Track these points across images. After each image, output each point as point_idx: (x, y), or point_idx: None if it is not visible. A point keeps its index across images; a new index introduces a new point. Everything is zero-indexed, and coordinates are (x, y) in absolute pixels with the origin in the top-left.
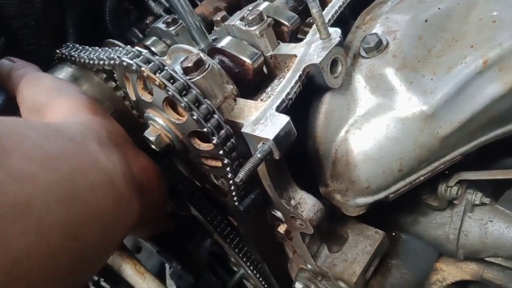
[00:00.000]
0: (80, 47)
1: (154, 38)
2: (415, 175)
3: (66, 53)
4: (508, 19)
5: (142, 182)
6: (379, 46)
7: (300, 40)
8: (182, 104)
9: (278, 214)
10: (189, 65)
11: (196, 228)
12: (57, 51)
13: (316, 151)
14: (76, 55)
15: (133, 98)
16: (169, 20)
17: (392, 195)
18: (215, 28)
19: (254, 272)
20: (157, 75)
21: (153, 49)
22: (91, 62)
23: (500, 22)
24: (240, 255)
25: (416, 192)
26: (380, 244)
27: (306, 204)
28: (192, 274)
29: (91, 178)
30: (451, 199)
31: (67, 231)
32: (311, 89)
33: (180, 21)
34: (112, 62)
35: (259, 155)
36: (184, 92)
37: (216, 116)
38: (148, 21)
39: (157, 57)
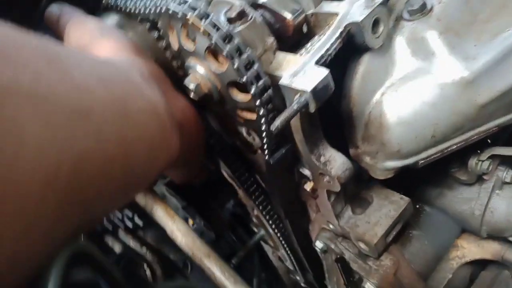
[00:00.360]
0: None
1: None
2: (447, 143)
3: (112, 2)
4: None
5: (181, 122)
6: (423, 9)
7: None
8: (224, 52)
9: (306, 172)
10: (233, 15)
11: (220, 189)
12: (103, 0)
13: (350, 112)
14: (121, 4)
15: (176, 47)
16: None
17: (422, 161)
18: None
19: (276, 231)
20: (202, 22)
21: None
22: (137, 10)
23: None
24: (264, 213)
25: (444, 165)
26: (404, 210)
27: (336, 161)
28: (214, 232)
29: (138, 103)
30: (481, 174)
31: (120, 145)
32: (349, 50)
33: None
34: (157, 10)
35: (295, 107)
36: (227, 40)
37: (255, 66)
38: None
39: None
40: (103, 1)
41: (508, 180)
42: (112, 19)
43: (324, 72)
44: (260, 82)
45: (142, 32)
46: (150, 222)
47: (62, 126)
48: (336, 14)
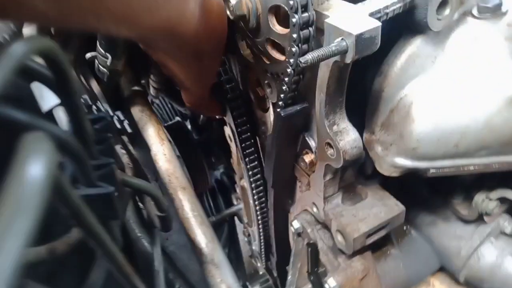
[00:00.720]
0: None
1: None
2: (467, 160)
3: None
4: None
5: (207, 5)
6: (497, 10)
7: None
8: None
9: (311, 142)
10: None
11: (215, 151)
12: None
13: (380, 91)
14: None
15: None
16: None
17: (434, 170)
18: None
19: (256, 202)
20: None
21: None
22: None
23: None
24: (251, 179)
25: (448, 193)
26: (396, 217)
27: (348, 135)
28: (195, 191)
29: None
30: (483, 214)
31: None
32: (402, 27)
33: None
34: None
35: (333, 48)
36: None
37: None
38: None
39: None
40: None
41: (507, 231)
42: None
43: (375, 23)
44: (305, 14)
45: None
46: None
47: None
48: None
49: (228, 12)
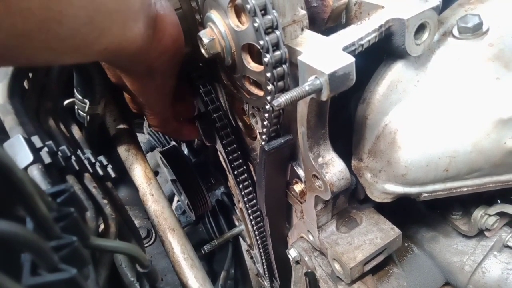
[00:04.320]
0: None
1: None
2: (459, 183)
3: None
4: None
5: (158, 18)
6: (477, 30)
7: None
8: (249, 6)
9: (300, 171)
10: None
11: (213, 173)
12: None
13: (364, 119)
14: None
15: None
16: None
17: (426, 195)
18: None
19: (254, 227)
20: None
21: None
22: None
23: None
24: (247, 205)
25: (446, 209)
26: (392, 241)
27: (334, 167)
28: (196, 214)
29: None
30: (483, 229)
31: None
32: (382, 51)
33: None
34: None
35: (307, 87)
36: None
37: (278, 32)
38: None
39: None
40: None
41: (510, 244)
42: None
43: (349, 59)
44: (277, 52)
45: None
46: (124, 181)
47: None
48: (382, 7)
49: (202, 51)
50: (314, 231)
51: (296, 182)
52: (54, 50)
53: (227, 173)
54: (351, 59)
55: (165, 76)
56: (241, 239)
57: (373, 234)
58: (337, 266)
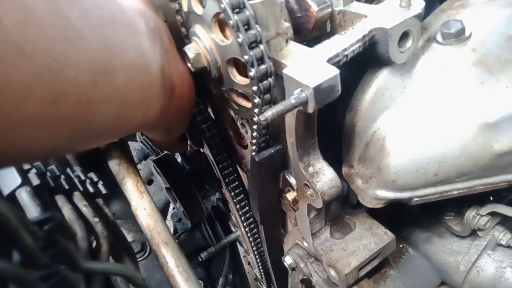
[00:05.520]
0: None
1: None
2: (449, 186)
3: None
4: None
5: (175, 85)
6: (460, 35)
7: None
8: (231, 22)
9: (292, 180)
10: None
11: (208, 179)
12: None
13: (352, 127)
14: None
15: (185, 9)
16: None
17: (417, 199)
18: None
19: (248, 234)
20: None
21: None
22: None
23: None
24: (240, 212)
25: (439, 210)
26: (385, 246)
27: (324, 175)
28: (192, 221)
29: (130, 56)
30: (476, 229)
31: (83, 98)
32: (368, 59)
33: None
34: None
35: (292, 101)
36: (237, 10)
37: (262, 46)
38: None
39: None
40: None
41: (503, 242)
42: None
43: (333, 71)
44: (262, 66)
45: None
46: (117, 194)
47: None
48: (365, 16)
49: (188, 65)
50: (308, 238)
51: (289, 190)
52: (80, 145)
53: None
54: (336, 71)
55: (182, 122)
56: (238, 245)
57: (367, 239)
58: (332, 272)
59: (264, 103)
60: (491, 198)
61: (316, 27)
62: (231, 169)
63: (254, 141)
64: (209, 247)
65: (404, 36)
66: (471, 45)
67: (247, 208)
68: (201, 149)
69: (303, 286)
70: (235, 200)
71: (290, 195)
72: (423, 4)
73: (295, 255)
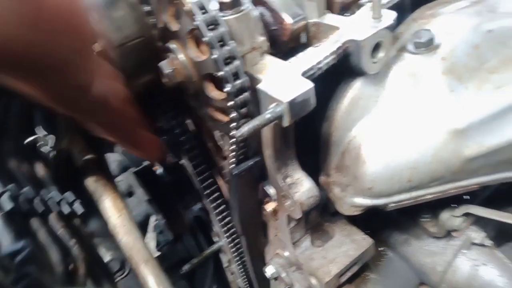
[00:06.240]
0: None
1: None
2: (423, 191)
3: None
4: None
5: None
6: (430, 44)
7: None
8: (206, 39)
9: (270, 191)
10: (226, 1)
11: (188, 190)
12: None
13: (329, 136)
14: None
15: (161, 24)
16: None
17: (393, 205)
18: None
19: (230, 245)
20: (189, 0)
21: None
22: None
23: None
24: (221, 223)
25: (415, 213)
26: (365, 252)
27: (302, 186)
28: (174, 233)
29: None
30: (451, 230)
31: None
32: (342, 70)
33: None
34: None
35: (268, 116)
36: (212, 26)
37: (236, 62)
38: None
39: None
40: None
41: (477, 241)
42: None
43: (307, 85)
44: (238, 81)
45: (132, 4)
46: (96, 210)
47: None
48: (337, 28)
49: (164, 80)
50: (289, 247)
51: (268, 201)
52: None
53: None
54: (310, 85)
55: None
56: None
57: (346, 246)
58: (313, 281)
59: (241, 117)
60: (468, 198)
61: (292, 39)
62: (211, 180)
63: (232, 154)
64: (192, 258)
65: (376, 47)
66: (441, 53)
67: (228, 218)
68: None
69: None
70: (216, 211)
71: (270, 206)
72: (394, 15)
73: (277, 265)
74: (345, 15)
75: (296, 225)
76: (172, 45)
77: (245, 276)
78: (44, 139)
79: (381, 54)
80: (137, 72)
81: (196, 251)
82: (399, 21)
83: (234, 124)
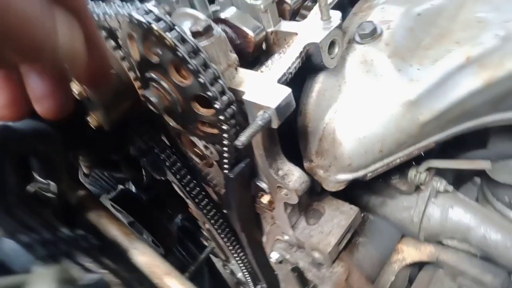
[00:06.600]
0: None
1: (154, 2)
2: (392, 157)
3: None
4: (492, 21)
5: None
6: (374, 34)
7: (298, 21)
8: (191, 67)
9: (263, 185)
10: (199, 29)
11: (168, 202)
12: None
13: (305, 128)
14: None
15: (137, 58)
16: None
17: (370, 174)
18: None
19: (228, 244)
20: (169, 34)
21: None
22: (95, 17)
23: (484, 23)
24: (216, 226)
25: (386, 176)
26: (354, 219)
27: (293, 175)
28: (163, 247)
29: None
30: (419, 185)
31: None
32: (305, 68)
33: None
34: (119, 18)
35: (260, 122)
36: (193, 55)
37: (220, 81)
38: None
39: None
40: None
41: (441, 189)
42: None
43: (286, 90)
44: (225, 97)
45: None
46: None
47: None
48: (295, 34)
49: (152, 108)
50: (288, 231)
51: (262, 195)
52: None
53: (186, 199)
54: (288, 90)
55: None
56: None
57: (337, 218)
58: (316, 254)
59: (232, 127)
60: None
61: (255, 49)
62: (198, 189)
63: (226, 161)
64: (186, 268)
65: (331, 44)
66: (384, 40)
67: (221, 220)
68: (161, 177)
69: (295, 274)
70: (208, 216)
71: (265, 198)
72: (340, 14)
73: (280, 250)
74: (297, 20)
75: (292, 210)
76: (152, 75)
77: (245, 269)
78: (45, 186)
79: (336, 50)
80: (114, 103)
81: (188, 260)
82: (342, 17)
83: (225, 135)
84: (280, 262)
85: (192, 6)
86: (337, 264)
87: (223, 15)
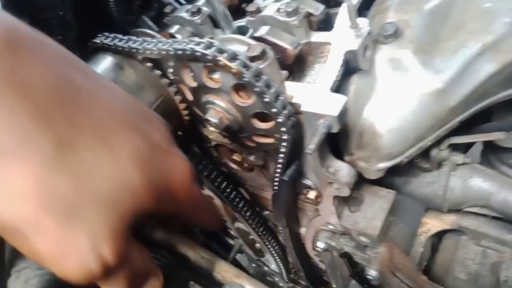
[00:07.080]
0: (122, 37)
1: (178, 26)
2: (424, 141)
3: (108, 43)
4: (499, 10)
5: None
6: (397, 33)
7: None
8: (257, 89)
9: (309, 182)
10: (256, 54)
11: None
12: (95, 41)
13: (345, 125)
14: (121, 45)
15: (193, 84)
16: (194, 10)
17: (406, 159)
18: (248, 18)
19: (265, 240)
20: (233, 63)
21: (178, 36)
22: (140, 51)
23: (492, 12)
24: (253, 225)
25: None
26: (393, 202)
27: (343, 170)
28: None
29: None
30: (441, 161)
31: None
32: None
33: (204, 11)
34: (171, 51)
35: (324, 129)
36: (257, 78)
37: (281, 97)
38: (168, 10)
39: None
40: (96, 42)
41: (460, 162)
42: (109, 60)
43: (343, 98)
44: (286, 111)
45: (144, 71)
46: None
47: None
48: (329, 43)
49: (211, 129)
50: (335, 220)
51: (308, 191)
52: None
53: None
54: (345, 98)
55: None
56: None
57: (378, 203)
58: (363, 238)
59: (290, 136)
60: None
61: (295, 61)
62: (234, 192)
63: (279, 165)
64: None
65: (365, 49)
66: (406, 38)
67: (257, 219)
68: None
69: (345, 259)
70: (246, 217)
71: (312, 194)
72: (368, 21)
73: (325, 238)
74: (320, 26)
75: (339, 202)
76: (210, 98)
77: (279, 260)
78: None
79: (368, 53)
80: None
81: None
82: None
83: (284, 143)
84: (326, 250)
85: (218, 25)
86: (380, 245)
87: (259, 34)
